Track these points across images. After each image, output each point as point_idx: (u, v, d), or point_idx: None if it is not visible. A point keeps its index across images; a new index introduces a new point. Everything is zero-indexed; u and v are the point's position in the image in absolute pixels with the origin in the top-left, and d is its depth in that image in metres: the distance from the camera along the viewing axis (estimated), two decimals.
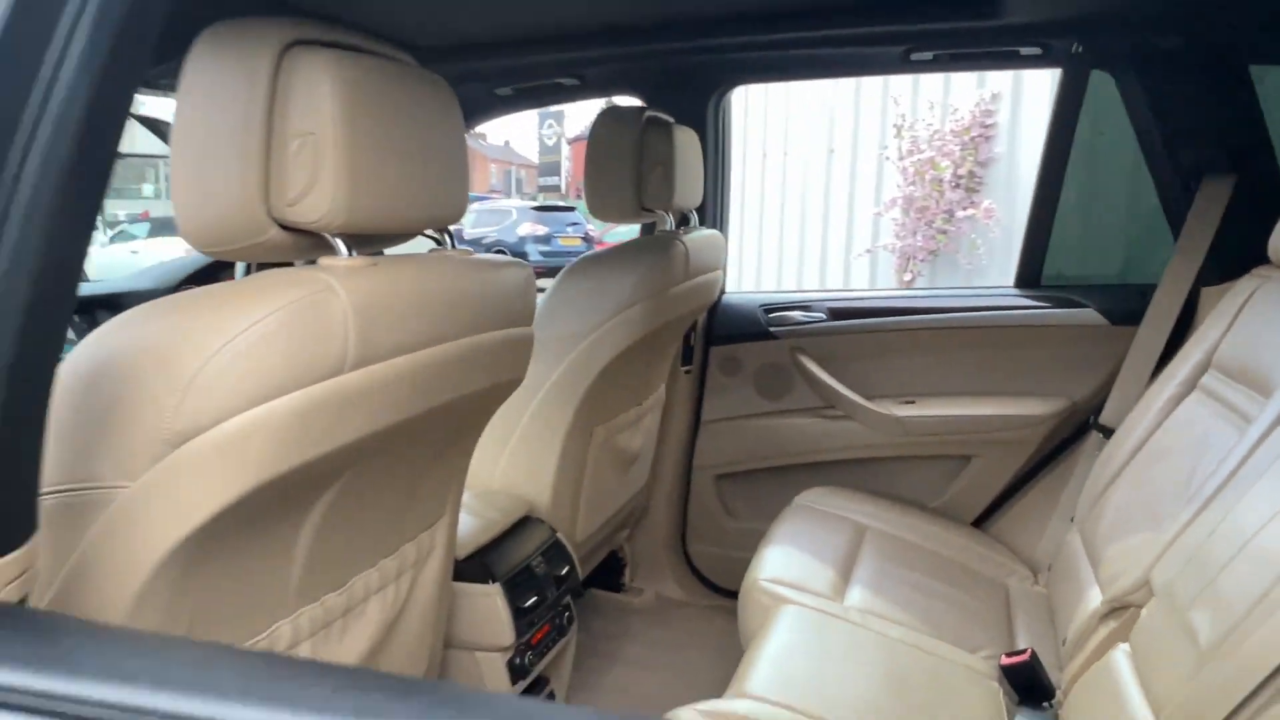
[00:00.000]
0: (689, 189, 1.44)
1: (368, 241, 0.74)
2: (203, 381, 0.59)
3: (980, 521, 1.60)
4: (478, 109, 1.69)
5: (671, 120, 1.42)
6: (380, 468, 0.78)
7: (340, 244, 0.68)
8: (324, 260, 0.68)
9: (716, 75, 1.64)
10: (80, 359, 0.62)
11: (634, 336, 1.31)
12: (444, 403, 0.77)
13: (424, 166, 0.74)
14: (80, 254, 0.51)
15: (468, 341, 0.78)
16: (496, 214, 10.87)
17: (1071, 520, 1.27)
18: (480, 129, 2.36)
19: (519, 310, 0.87)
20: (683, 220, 1.57)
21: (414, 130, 0.72)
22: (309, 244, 0.69)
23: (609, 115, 1.38)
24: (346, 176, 0.65)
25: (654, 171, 1.36)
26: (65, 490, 0.60)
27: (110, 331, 0.63)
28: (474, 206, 10.47)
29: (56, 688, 0.42)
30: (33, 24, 0.47)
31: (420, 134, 0.73)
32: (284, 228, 0.66)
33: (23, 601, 0.50)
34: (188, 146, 0.66)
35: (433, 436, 0.85)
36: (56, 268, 0.49)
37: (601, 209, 1.40)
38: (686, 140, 1.43)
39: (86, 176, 0.49)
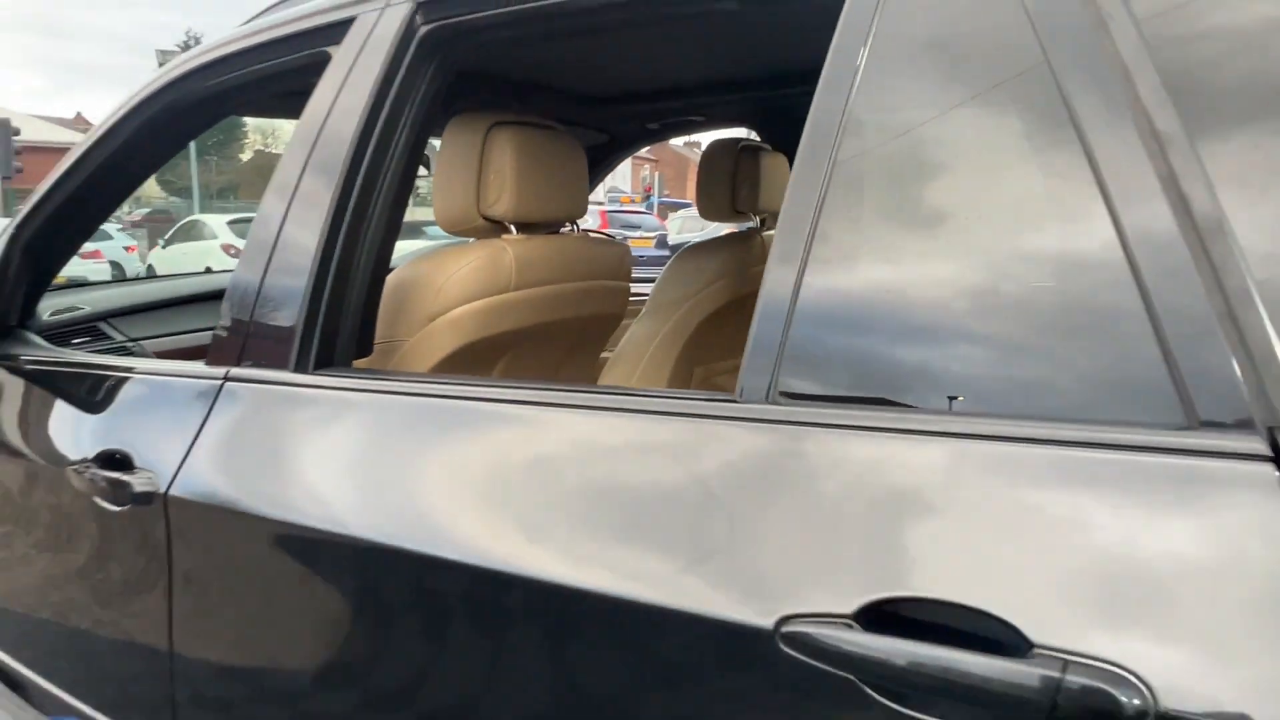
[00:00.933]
0: (772, 197, 1.97)
1: (528, 227, 1.37)
2: (445, 290, 1.23)
3: None
4: (634, 138, 2.31)
5: (766, 147, 1.95)
6: (530, 351, 1.40)
7: (512, 228, 1.31)
8: (504, 236, 1.32)
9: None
10: (391, 280, 1.28)
11: (720, 302, 1.86)
12: (564, 319, 1.39)
13: (559, 188, 1.35)
14: (398, 228, 1.17)
15: (580, 284, 1.39)
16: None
17: None
18: None
19: (614, 269, 1.47)
20: (764, 222, 2.10)
21: (554, 168, 1.34)
22: (497, 228, 1.32)
23: (716, 145, 1.93)
24: (516, 194, 1.28)
25: (744, 184, 1.90)
26: (381, 341, 1.26)
27: (406, 266, 1.29)
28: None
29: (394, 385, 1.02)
30: (390, 119, 1.10)
31: (557, 170, 1.35)
32: (485, 218, 1.31)
33: None
34: (442, 173, 1.31)
35: (562, 341, 1.47)
36: (389, 238, 1.14)
37: (708, 210, 1.95)
38: (774, 162, 1.96)
39: (405, 196, 1.14)
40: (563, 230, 1.49)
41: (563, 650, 0.76)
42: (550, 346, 1.44)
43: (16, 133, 15.97)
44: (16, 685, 1.49)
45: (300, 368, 1.05)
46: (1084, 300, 0.61)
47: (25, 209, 1.56)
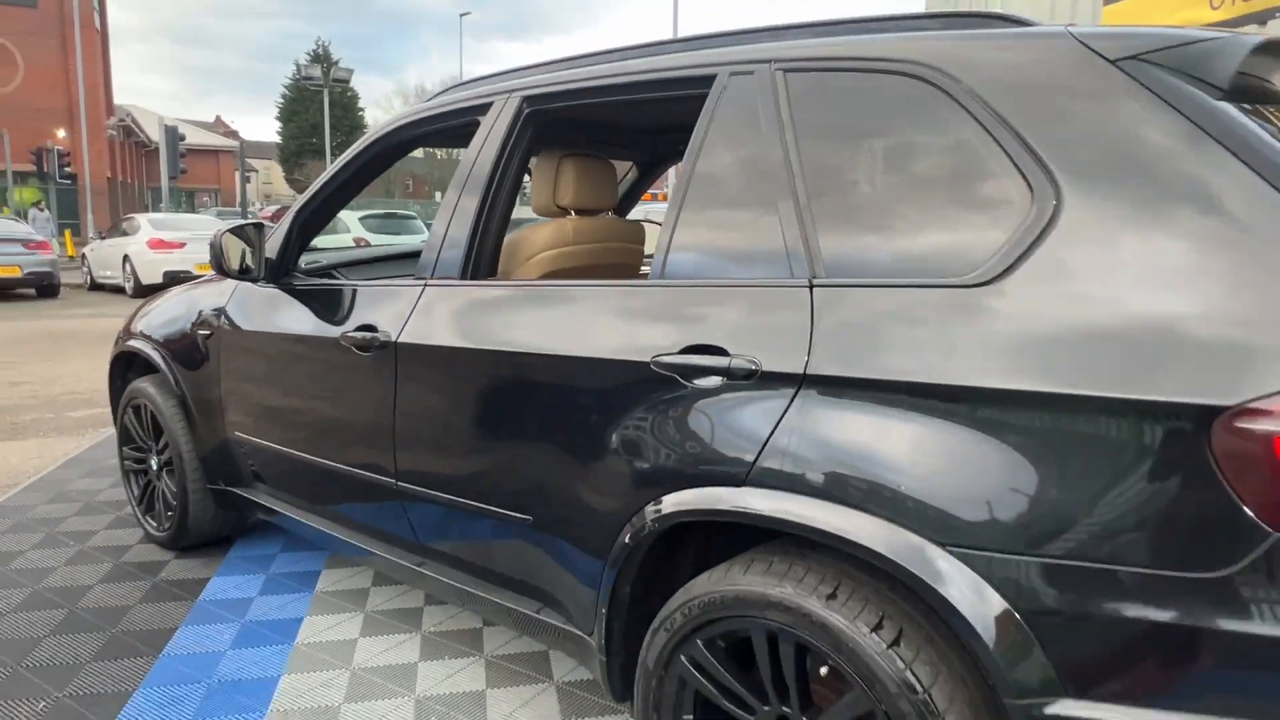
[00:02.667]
0: (583, 196, 2.88)
1: (581, 212, 2.41)
2: (535, 243, 2.29)
3: None
4: (654, 163, 3.31)
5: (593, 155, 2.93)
6: (579, 279, 2.46)
7: (572, 212, 2.37)
8: (568, 217, 2.37)
9: None
10: (508, 239, 2.34)
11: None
12: (600, 264, 2.42)
13: (599, 191, 2.39)
14: (511, 213, 2.23)
15: (610, 244, 2.43)
16: None
17: None
18: None
19: (632, 238, 2.50)
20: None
21: (596, 180, 2.38)
22: (563, 212, 2.38)
23: (542, 156, 2.88)
24: (574, 194, 2.33)
25: (564, 185, 2.84)
26: (503, 270, 2.33)
27: (515, 232, 2.36)
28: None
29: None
30: (509, 155, 2.16)
31: (597, 181, 2.39)
32: (557, 206, 2.36)
33: None
34: (535, 183, 2.37)
35: (598, 275, 2.50)
36: (507, 216, 2.21)
37: (538, 206, 2.92)
38: (593, 166, 2.94)
39: (515, 196, 2.21)
40: (601, 214, 2.54)
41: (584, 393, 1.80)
42: (591, 277, 2.48)
43: (183, 138, 18.25)
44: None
45: (464, 279, 2.12)
46: (766, 245, 1.60)
47: (299, 203, 2.72)
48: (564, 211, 2.39)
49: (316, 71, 25.23)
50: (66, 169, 23.15)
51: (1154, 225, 1.23)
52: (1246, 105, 1.30)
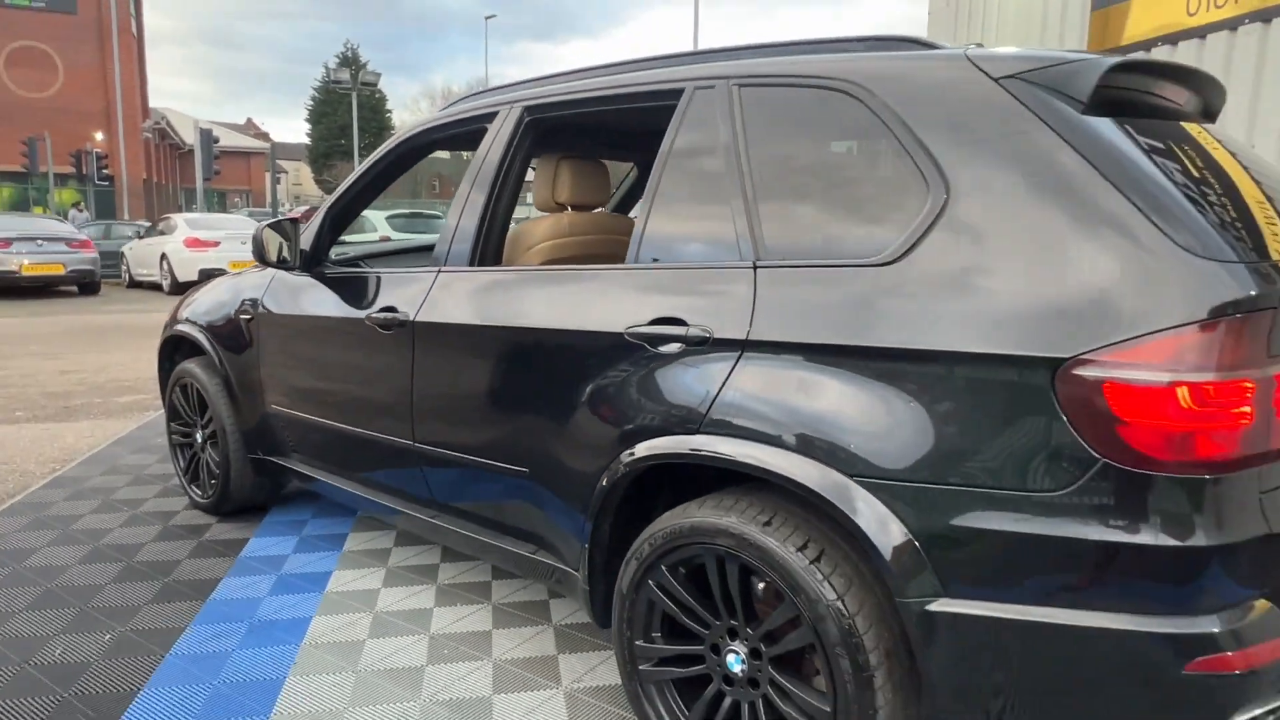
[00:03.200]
0: (579, 193, 3.19)
1: (576, 208, 2.71)
2: (535, 234, 2.60)
3: None
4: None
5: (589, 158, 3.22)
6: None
7: (568, 207, 2.67)
8: (565, 212, 2.68)
9: None
10: (511, 230, 2.65)
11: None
12: (592, 253, 2.72)
13: (592, 189, 2.69)
14: (514, 208, 2.54)
15: (601, 236, 2.73)
16: None
17: None
18: None
19: (621, 231, 2.80)
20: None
21: (590, 180, 2.68)
22: (561, 207, 2.68)
23: (543, 159, 3.21)
24: (570, 192, 2.63)
25: (561, 184, 3.16)
26: (507, 258, 2.64)
27: (517, 225, 2.67)
28: None
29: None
30: (512, 157, 2.48)
31: (591, 181, 2.69)
32: (556, 203, 2.67)
33: None
34: (537, 181, 2.68)
35: (590, 263, 2.80)
36: (510, 211, 2.52)
37: (539, 202, 3.25)
38: (588, 168, 3.23)
39: (518, 193, 2.52)
40: (595, 210, 2.83)
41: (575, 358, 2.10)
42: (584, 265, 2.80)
43: (216, 140, 18.82)
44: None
45: (472, 266, 2.44)
46: (720, 233, 1.90)
47: (329, 201, 3.05)
48: (561, 207, 2.70)
49: (345, 75, 25.78)
50: (104, 171, 23.90)
51: (1019, 215, 1.51)
52: (1104, 116, 1.58)
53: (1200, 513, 1.35)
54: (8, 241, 13.21)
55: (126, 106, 31.42)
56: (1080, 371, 1.38)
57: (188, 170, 38.91)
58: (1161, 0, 4.68)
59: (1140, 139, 1.56)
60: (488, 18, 39.53)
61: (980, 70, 1.65)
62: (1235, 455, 1.35)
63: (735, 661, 1.81)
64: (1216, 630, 1.35)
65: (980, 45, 1.89)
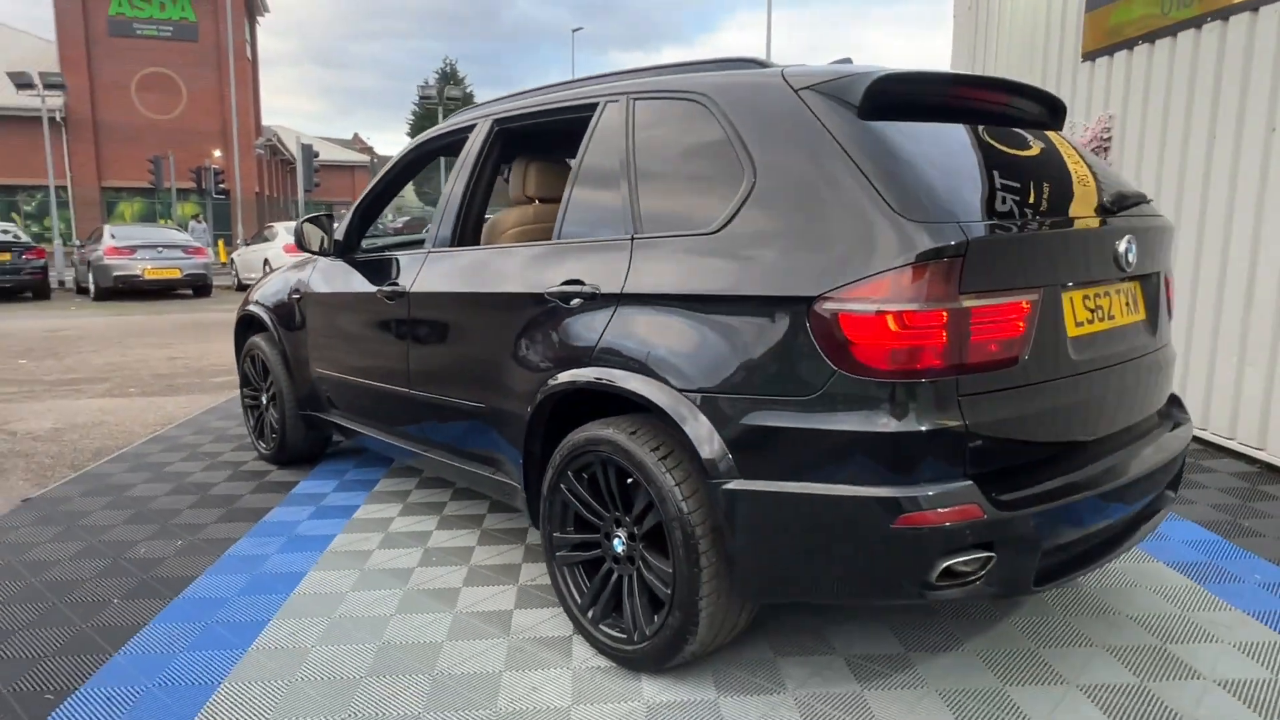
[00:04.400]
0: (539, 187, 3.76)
1: (543, 200, 3.30)
2: (509, 221, 3.20)
3: None
4: None
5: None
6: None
7: (536, 200, 3.25)
8: (533, 204, 3.26)
9: None
10: (489, 220, 3.26)
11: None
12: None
13: (556, 184, 3.27)
14: (488, 202, 3.14)
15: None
16: None
17: None
18: None
19: None
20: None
21: (554, 177, 3.26)
22: (530, 200, 3.27)
23: (518, 160, 3.76)
24: (537, 187, 3.22)
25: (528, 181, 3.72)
26: (485, 238, 3.25)
27: (494, 215, 3.28)
28: None
29: None
30: (485, 159, 3.09)
31: (556, 178, 3.27)
32: (525, 196, 3.25)
33: None
34: (512, 179, 3.29)
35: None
36: (485, 204, 3.13)
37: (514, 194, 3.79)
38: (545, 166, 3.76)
39: (491, 188, 3.13)
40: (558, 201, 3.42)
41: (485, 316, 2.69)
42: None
43: (316, 155, 20.30)
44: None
45: (458, 244, 3.05)
46: (613, 215, 2.44)
47: (359, 199, 3.73)
48: (530, 199, 3.28)
49: (433, 92, 27.22)
50: (221, 185, 25.95)
51: (796, 192, 2.01)
52: (876, 118, 2.05)
53: (906, 408, 1.82)
54: (132, 249, 14.76)
55: (241, 125, 33.84)
56: (823, 306, 1.88)
57: (296, 183, 41.52)
58: (1142, 1, 4.94)
59: (894, 133, 2.03)
60: (574, 30, 40.78)
61: (787, 83, 2.15)
62: (933, 366, 1.82)
63: (618, 544, 2.35)
64: (912, 495, 1.81)
65: (848, 61, 2.39)
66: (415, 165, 3.59)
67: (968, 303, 1.83)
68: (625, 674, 2.34)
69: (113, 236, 15.17)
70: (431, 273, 3.08)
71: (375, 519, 3.59)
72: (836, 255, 1.90)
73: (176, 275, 15.17)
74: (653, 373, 2.18)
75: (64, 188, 31.31)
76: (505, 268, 2.75)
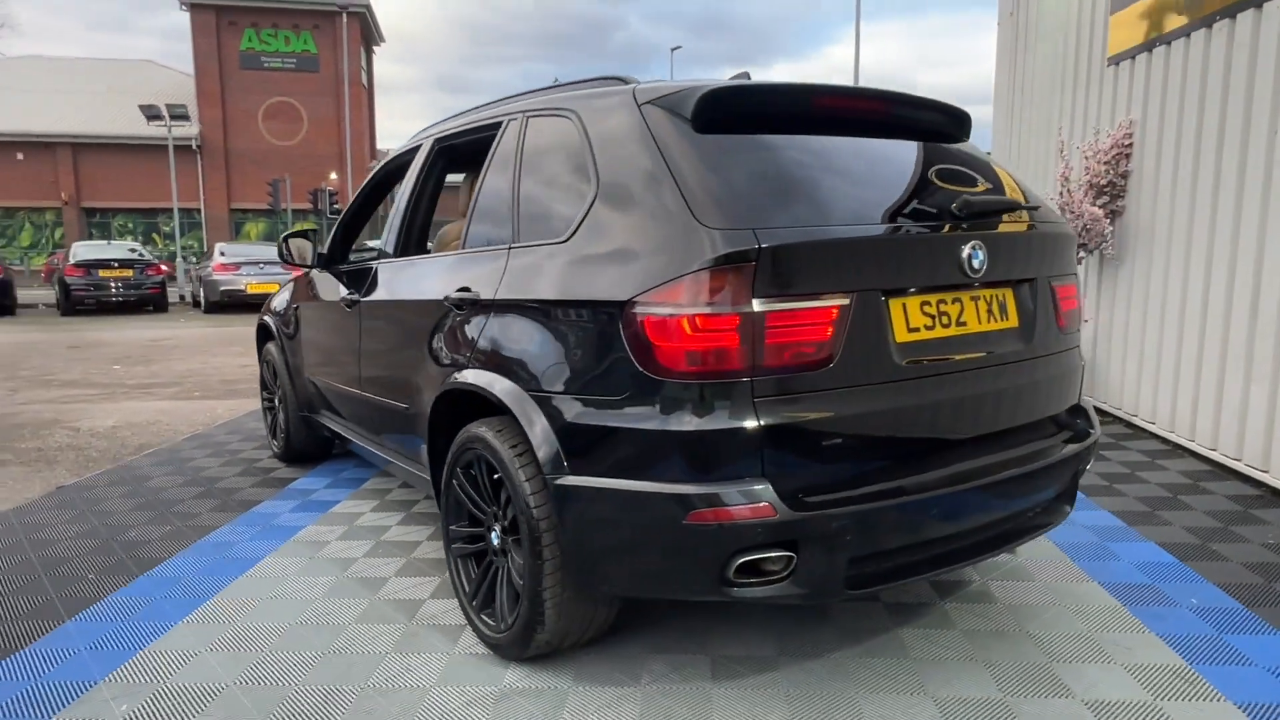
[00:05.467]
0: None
1: None
2: (457, 231, 3.40)
3: None
4: None
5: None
6: None
7: None
8: None
9: None
10: (441, 230, 3.47)
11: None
12: None
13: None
14: (433, 212, 3.35)
15: None
16: None
17: None
18: None
19: None
20: None
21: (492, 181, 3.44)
22: None
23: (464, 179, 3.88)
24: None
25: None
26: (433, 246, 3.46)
27: (445, 227, 3.48)
28: None
29: None
30: (428, 174, 3.30)
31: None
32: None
33: None
34: (460, 191, 3.48)
35: None
36: (430, 214, 3.33)
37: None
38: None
39: (436, 199, 3.33)
40: None
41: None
42: None
43: None
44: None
45: (402, 254, 3.27)
46: (501, 226, 2.59)
47: (341, 218, 4.02)
48: None
49: None
50: (335, 206, 27.56)
51: (625, 202, 2.11)
52: (712, 131, 2.13)
53: (702, 409, 1.89)
54: (237, 265, 15.90)
55: (355, 149, 35.82)
56: (632, 310, 1.97)
57: None
58: (1159, 2, 4.73)
59: (721, 144, 2.10)
60: (673, 49, 41.20)
61: (634, 99, 2.26)
62: (727, 369, 1.88)
63: (495, 538, 2.49)
64: (704, 492, 1.87)
65: (745, 76, 2.47)
66: (384, 184, 3.85)
67: (762, 307, 1.88)
68: (497, 661, 2.46)
69: (222, 254, 16.38)
70: (376, 282, 3.30)
71: (347, 513, 3.83)
72: (647, 261, 1.98)
73: (276, 289, 16.21)
74: (510, 374, 2.31)
75: (198, 210, 33.94)
76: (423, 276, 2.94)
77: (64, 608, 2.86)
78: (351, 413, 3.66)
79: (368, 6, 35.57)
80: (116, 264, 16.21)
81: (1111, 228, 5.16)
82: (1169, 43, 4.65)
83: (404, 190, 3.34)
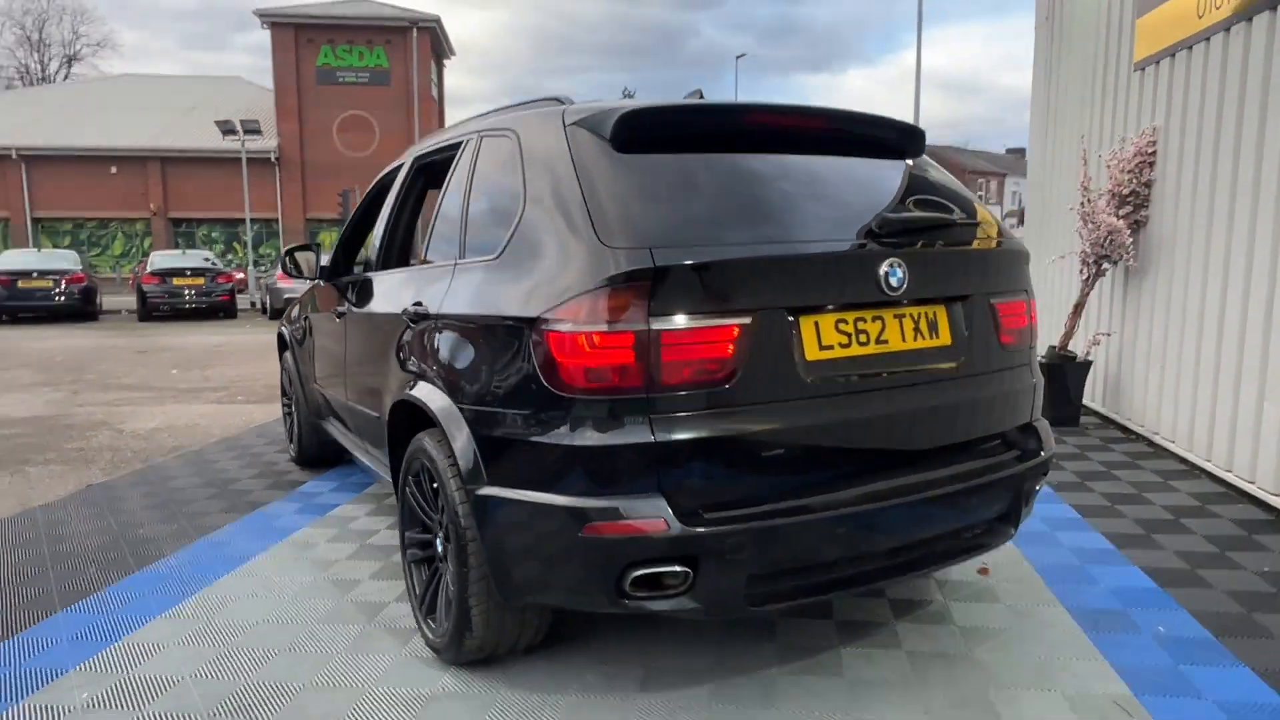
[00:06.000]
0: None
1: None
2: None
3: None
4: None
5: None
6: None
7: None
8: None
9: None
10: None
11: None
12: None
13: None
14: (416, 220, 3.47)
15: None
16: None
17: None
18: None
19: None
20: None
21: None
22: None
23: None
24: None
25: None
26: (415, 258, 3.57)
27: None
28: None
29: None
30: (410, 187, 3.42)
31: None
32: None
33: None
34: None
35: None
36: (413, 224, 3.45)
37: None
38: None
39: (418, 210, 3.45)
40: None
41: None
42: None
43: None
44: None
45: (382, 268, 3.39)
46: (451, 243, 2.68)
47: (344, 228, 4.18)
48: None
49: None
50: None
51: (542, 221, 2.17)
52: (632, 150, 2.17)
53: (599, 424, 1.93)
54: None
55: None
56: (540, 327, 2.02)
57: None
58: (1178, 6, 4.56)
59: (635, 164, 2.14)
60: (738, 57, 41.16)
61: (562, 120, 2.31)
62: (624, 385, 1.92)
63: (439, 544, 2.56)
64: (598, 506, 1.91)
65: (698, 94, 2.52)
66: (380, 198, 3.98)
67: (659, 325, 1.92)
68: (440, 665, 2.53)
69: None
70: (358, 294, 3.43)
71: (343, 516, 3.98)
72: (555, 280, 2.04)
73: None
74: (445, 387, 2.39)
75: (276, 220, 35.32)
76: (391, 289, 3.05)
77: (59, 599, 3.05)
78: (344, 419, 3.80)
79: (437, 21, 36.48)
80: (189, 272, 17.00)
81: (1133, 238, 4.98)
82: (1190, 47, 4.48)
83: (386, 205, 3.47)
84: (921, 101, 19.61)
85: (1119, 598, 2.91)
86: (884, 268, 2.13)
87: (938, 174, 2.59)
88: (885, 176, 2.41)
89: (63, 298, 16.31)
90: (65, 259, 17.49)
